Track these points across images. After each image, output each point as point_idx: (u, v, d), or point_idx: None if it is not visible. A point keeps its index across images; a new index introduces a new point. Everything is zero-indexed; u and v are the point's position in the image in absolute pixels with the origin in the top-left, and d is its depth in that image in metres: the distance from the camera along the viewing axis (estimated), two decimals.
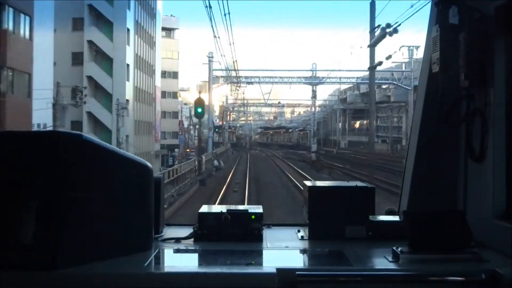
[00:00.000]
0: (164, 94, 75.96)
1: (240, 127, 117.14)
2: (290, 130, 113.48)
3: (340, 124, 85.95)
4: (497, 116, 2.57)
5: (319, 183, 3.14)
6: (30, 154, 2.20)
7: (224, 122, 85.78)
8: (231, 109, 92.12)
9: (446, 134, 2.90)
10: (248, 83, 54.01)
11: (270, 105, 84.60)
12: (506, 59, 2.55)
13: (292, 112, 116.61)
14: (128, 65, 53.49)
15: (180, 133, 78.88)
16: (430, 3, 2.89)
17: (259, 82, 54.72)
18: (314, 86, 53.64)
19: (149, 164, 2.56)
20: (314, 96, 54.70)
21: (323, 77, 51.80)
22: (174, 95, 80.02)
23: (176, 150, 66.02)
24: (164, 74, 76.01)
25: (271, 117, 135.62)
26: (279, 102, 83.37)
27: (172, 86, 77.55)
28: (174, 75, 79.09)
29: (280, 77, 53.02)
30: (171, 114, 79.55)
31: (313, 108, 59.20)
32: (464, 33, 2.61)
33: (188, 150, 66.58)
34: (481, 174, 2.66)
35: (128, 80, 53.37)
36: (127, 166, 2.45)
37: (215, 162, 43.92)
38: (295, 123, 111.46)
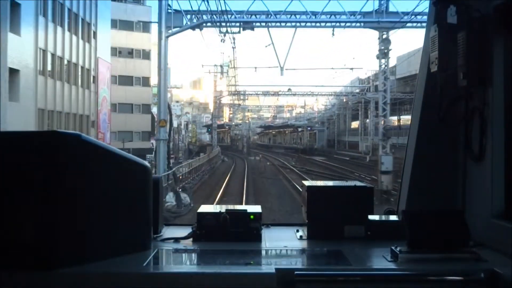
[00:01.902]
0: (130, 80, 61.55)
1: (236, 125, 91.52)
2: (300, 129, 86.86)
3: (365, 120, 72.07)
4: (496, 115, 2.84)
5: (318, 183, 3.31)
6: (29, 154, 2.43)
7: (216, 120, 71.30)
8: (221, 96, 67.07)
9: (444, 133, 3.12)
10: (245, 23, 24.84)
11: (278, 94, 58.93)
12: (505, 58, 2.80)
13: (302, 107, 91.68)
14: (16, 3, 26.05)
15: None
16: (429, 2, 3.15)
17: (266, 23, 25.37)
18: (385, 31, 25.60)
19: (148, 164, 2.82)
20: (385, 53, 27.14)
21: (404, 14, 23.85)
22: (145, 81, 63.70)
23: (149, 156, 50.87)
24: (131, 52, 61.56)
25: (270, 116, 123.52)
26: (289, 89, 58.42)
27: (142, 70, 62.58)
28: (145, 55, 63.02)
29: (312, 14, 24.55)
30: (140, 108, 62.91)
31: (382, 78, 29.58)
32: (462, 32, 2.88)
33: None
34: (480, 174, 2.93)
35: (18, 33, 26.28)
36: (126, 166, 2.69)
37: (169, 197, 16.85)
38: (305, 120, 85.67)
